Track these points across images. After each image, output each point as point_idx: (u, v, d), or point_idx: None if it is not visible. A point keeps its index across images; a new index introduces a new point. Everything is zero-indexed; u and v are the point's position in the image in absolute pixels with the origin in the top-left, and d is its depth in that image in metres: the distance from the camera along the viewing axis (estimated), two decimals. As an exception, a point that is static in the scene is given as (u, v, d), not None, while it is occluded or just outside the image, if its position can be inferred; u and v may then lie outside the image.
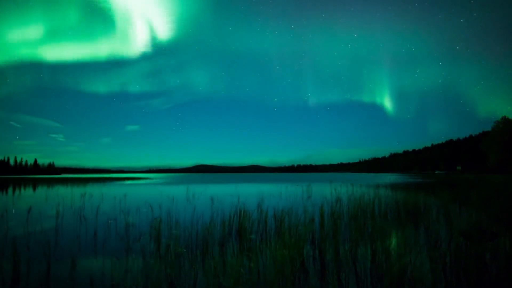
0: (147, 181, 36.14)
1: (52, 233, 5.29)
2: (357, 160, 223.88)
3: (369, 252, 3.88)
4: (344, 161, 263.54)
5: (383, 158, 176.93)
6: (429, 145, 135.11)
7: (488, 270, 3.14)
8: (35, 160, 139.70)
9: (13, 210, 8.40)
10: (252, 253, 3.84)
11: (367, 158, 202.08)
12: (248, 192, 15.25)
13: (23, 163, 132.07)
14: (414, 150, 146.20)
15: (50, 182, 30.78)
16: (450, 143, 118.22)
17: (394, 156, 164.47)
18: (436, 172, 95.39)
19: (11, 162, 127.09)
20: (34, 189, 19.58)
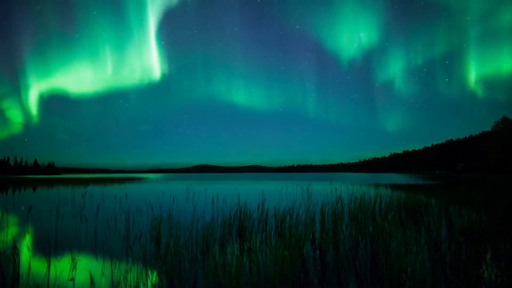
0: (148, 180, 36.15)
1: (52, 233, 5.29)
2: (357, 160, 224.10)
3: (370, 252, 3.88)
4: (344, 161, 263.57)
5: (383, 158, 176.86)
6: (429, 145, 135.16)
7: (488, 270, 3.14)
8: (35, 160, 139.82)
9: (13, 210, 8.40)
10: (252, 253, 3.84)
11: (367, 158, 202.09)
12: (248, 191, 15.25)
13: (23, 163, 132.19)
14: (414, 150, 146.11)
15: (50, 182, 30.79)
16: (450, 143, 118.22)
17: (394, 156, 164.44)
18: (436, 172, 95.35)
19: (11, 162, 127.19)
20: (34, 189, 19.58)
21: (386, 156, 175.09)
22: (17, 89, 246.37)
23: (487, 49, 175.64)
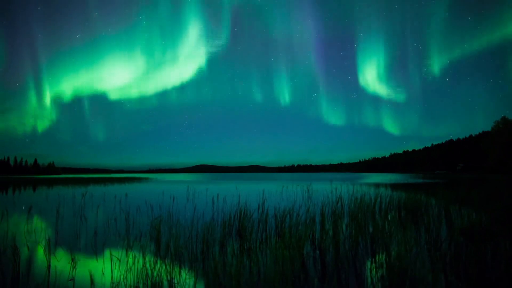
0: (148, 180, 36.15)
1: (52, 233, 5.29)
2: (357, 160, 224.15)
3: (370, 252, 3.88)
4: (344, 161, 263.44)
5: (383, 158, 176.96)
6: (429, 145, 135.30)
7: (488, 270, 3.14)
8: (35, 160, 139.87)
9: (13, 210, 8.40)
10: (252, 253, 3.84)
11: (367, 158, 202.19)
12: (248, 191, 15.26)
13: (23, 163, 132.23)
14: (414, 150, 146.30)
15: (50, 182, 30.79)
16: (450, 143, 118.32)
17: (394, 156, 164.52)
18: (436, 172, 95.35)
19: (11, 162, 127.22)
20: (34, 189, 19.58)
21: (386, 156, 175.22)
22: (18, 90, 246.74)
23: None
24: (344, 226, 5.43)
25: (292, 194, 13.49)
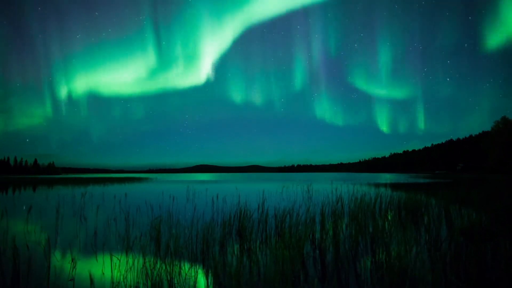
0: (148, 180, 36.13)
1: (52, 233, 5.29)
2: (357, 160, 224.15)
3: (370, 252, 3.88)
4: (344, 161, 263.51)
5: (383, 158, 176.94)
6: (429, 145, 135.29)
7: (488, 270, 3.14)
8: (35, 160, 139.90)
9: (13, 210, 8.40)
10: (252, 253, 3.84)
11: (367, 158, 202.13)
12: (248, 191, 15.25)
13: (23, 163, 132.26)
14: (414, 150, 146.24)
15: (50, 182, 30.78)
16: (450, 143, 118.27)
17: (394, 156, 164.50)
18: (436, 172, 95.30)
19: (11, 162, 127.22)
20: (34, 189, 19.58)
21: (386, 156, 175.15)
22: (18, 90, 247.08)
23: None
24: (344, 226, 5.43)
25: (292, 194, 13.48)
